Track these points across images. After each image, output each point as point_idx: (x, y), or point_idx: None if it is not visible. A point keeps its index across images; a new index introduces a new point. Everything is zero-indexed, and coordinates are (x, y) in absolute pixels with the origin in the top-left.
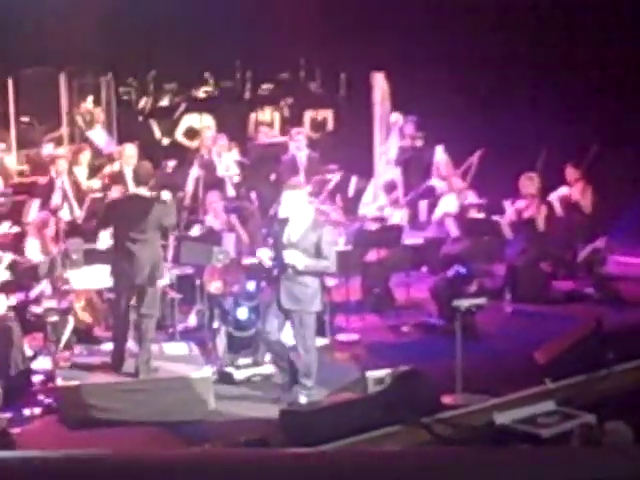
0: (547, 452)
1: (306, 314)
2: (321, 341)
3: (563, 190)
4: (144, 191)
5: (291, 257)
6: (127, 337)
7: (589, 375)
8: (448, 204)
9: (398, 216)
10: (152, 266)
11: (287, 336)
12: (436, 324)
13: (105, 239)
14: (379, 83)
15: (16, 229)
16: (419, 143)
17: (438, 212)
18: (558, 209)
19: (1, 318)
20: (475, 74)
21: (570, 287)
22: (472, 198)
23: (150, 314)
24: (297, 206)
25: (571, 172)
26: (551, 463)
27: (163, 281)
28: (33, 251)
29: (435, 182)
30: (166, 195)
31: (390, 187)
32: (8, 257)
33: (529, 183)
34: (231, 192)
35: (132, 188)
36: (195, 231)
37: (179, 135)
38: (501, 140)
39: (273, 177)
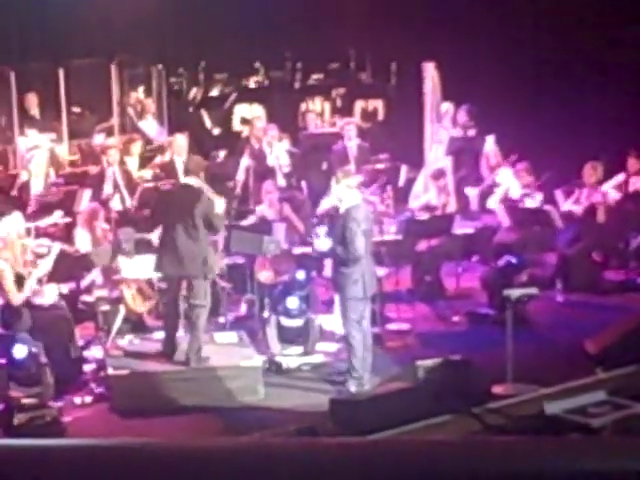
0: (598, 442)
1: (344, 300)
2: (372, 330)
3: (619, 179)
4: (193, 181)
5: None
6: (178, 326)
7: None
8: (500, 193)
9: (452, 204)
10: (200, 259)
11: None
12: (487, 314)
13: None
14: (430, 73)
15: (67, 219)
16: (471, 132)
17: (491, 202)
18: (613, 198)
19: (53, 307)
20: (527, 64)
21: (622, 277)
22: (522, 188)
23: (200, 304)
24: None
25: (633, 162)
26: (602, 453)
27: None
28: (82, 241)
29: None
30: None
31: (438, 175)
32: (58, 247)
33: (593, 172)
34: (281, 182)
35: (182, 179)
36: (246, 220)
37: (236, 124)
38: (553, 130)
39: (324, 167)
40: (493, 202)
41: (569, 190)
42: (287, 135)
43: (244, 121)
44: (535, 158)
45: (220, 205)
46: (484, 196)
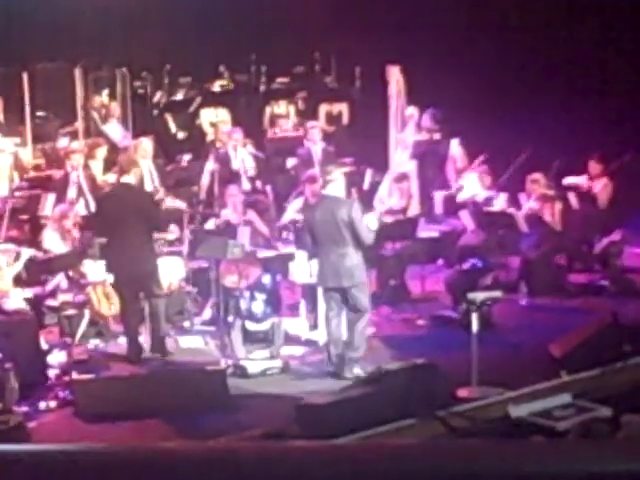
0: (563, 445)
1: None
2: None
3: (580, 182)
4: (130, 179)
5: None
6: (139, 329)
7: (605, 368)
8: (465, 197)
9: (413, 208)
10: (149, 252)
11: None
12: (451, 317)
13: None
14: (394, 76)
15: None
16: (436, 136)
17: (456, 205)
18: (574, 202)
19: (17, 312)
20: (492, 68)
21: (586, 280)
22: (488, 192)
23: (156, 294)
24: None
25: (594, 166)
26: (567, 456)
27: (178, 274)
28: (53, 243)
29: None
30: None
31: (401, 178)
32: (27, 252)
33: (535, 187)
34: (246, 186)
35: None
36: (211, 225)
37: (202, 128)
38: (518, 133)
39: (291, 171)
40: (458, 205)
41: (531, 194)
42: (251, 138)
43: (212, 125)
44: (500, 161)
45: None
46: (449, 200)
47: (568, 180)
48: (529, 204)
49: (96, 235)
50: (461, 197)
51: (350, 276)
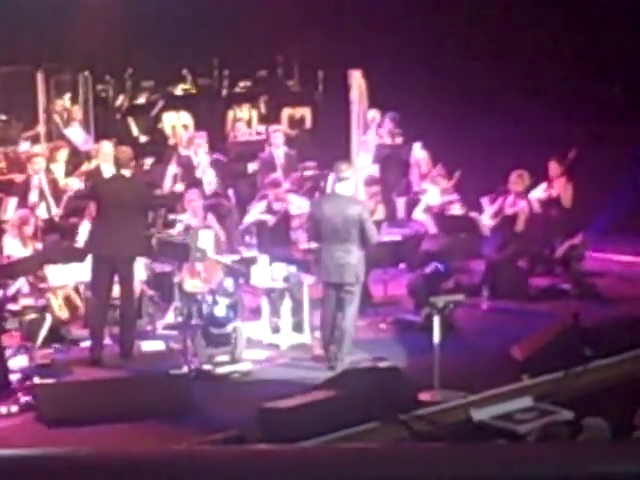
0: (524, 448)
1: None
2: (299, 338)
3: (542, 186)
4: (127, 173)
5: None
6: (104, 334)
7: (566, 371)
8: (428, 201)
9: (379, 212)
10: (134, 243)
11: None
12: (413, 321)
13: (84, 236)
14: (356, 80)
15: None
16: (398, 140)
17: (418, 209)
18: (537, 206)
19: None
20: (454, 72)
21: (547, 283)
22: (451, 195)
23: (128, 294)
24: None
25: (554, 167)
26: (528, 459)
27: (139, 278)
28: (13, 249)
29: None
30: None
31: (371, 182)
32: None
33: (519, 180)
34: (208, 190)
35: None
36: (173, 229)
37: (164, 131)
38: (479, 136)
39: (251, 174)
40: (419, 210)
41: (495, 198)
42: (214, 143)
43: (175, 129)
44: (462, 166)
45: None
46: (412, 204)
47: (534, 194)
48: (495, 204)
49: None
50: (425, 201)
51: (354, 273)
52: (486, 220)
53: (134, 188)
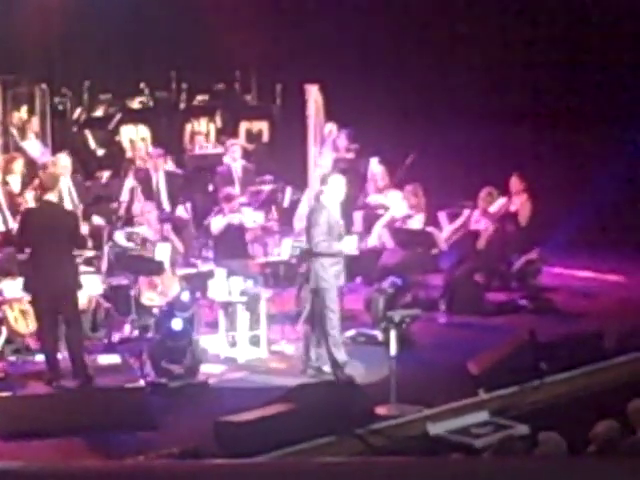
0: (480, 462)
1: None
2: (256, 352)
3: (501, 201)
4: (53, 197)
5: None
6: (58, 347)
7: (522, 386)
8: (393, 214)
9: None
10: (70, 273)
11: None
12: (370, 335)
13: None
14: (313, 95)
15: None
16: (352, 155)
17: (381, 221)
18: (495, 221)
19: None
20: (414, 87)
21: (504, 298)
22: (408, 209)
23: (73, 315)
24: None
25: (516, 183)
26: (484, 473)
27: (96, 291)
28: None
29: (377, 197)
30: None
31: None
32: None
33: (489, 198)
34: (166, 203)
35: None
36: (129, 242)
37: (121, 145)
38: (437, 151)
39: (210, 188)
40: (379, 225)
41: (453, 212)
42: (171, 155)
43: (132, 142)
44: (422, 180)
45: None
46: (369, 218)
47: (493, 207)
48: (457, 221)
49: (17, 251)
50: (390, 213)
51: (344, 276)
52: (446, 234)
53: (61, 215)
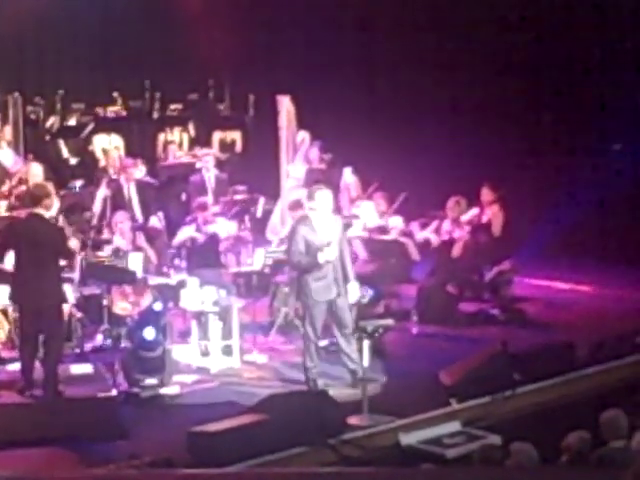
0: (452, 472)
1: None
2: (229, 362)
3: (473, 211)
4: (43, 211)
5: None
6: (34, 359)
7: (494, 396)
8: (357, 226)
9: None
10: (52, 288)
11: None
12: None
13: (10, 259)
14: (285, 106)
15: None
16: (324, 166)
17: (353, 229)
18: (467, 231)
19: None
20: (384, 97)
21: (476, 309)
22: (380, 220)
23: (56, 331)
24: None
25: (487, 193)
26: None
27: (68, 300)
28: None
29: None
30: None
31: (295, 206)
32: None
33: (456, 207)
34: (138, 212)
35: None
36: (102, 251)
37: (94, 154)
38: (410, 162)
39: (184, 197)
40: (353, 231)
41: (425, 222)
42: (144, 165)
43: (105, 151)
44: (392, 189)
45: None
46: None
47: (464, 217)
48: (429, 229)
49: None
50: (356, 225)
51: (337, 287)
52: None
53: (48, 230)
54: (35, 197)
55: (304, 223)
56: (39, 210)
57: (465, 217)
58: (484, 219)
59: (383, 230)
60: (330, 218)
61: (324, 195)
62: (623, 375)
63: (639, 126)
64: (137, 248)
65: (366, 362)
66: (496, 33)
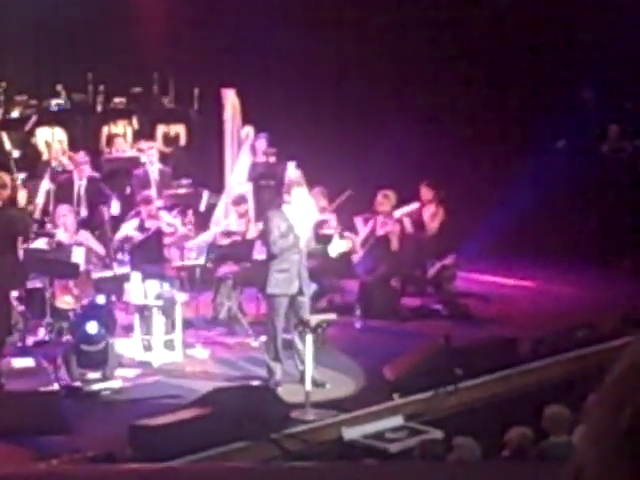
0: (394, 467)
1: None
2: (171, 356)
3: (413, 206)
4: None
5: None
6: None
7: (437, 391)
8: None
9: (252, 231)
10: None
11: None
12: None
13: None
14: (230, 99)
15: None
16: (272, 159)
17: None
18: (408, 226)
19: None
20: (329, 93)
21: (419, 303)
22: (325, 215)
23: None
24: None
25: (425, 192)
26: (398, 478)
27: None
28: None
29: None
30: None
31: (239, 201)
32: None
33: (385, 201)
34: (82, 205)
35: None
36: (43, 244)
37: (37, 146)
38: (354, 156)
39: (128, 191)
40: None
41: (368, 217)
42: (87, 158)
43: (48, 144)
44: (334, 185)
45: None
46: None
47: (400, 211)
48: (368, 224)
49: None
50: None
51: (307, 284)
52: (361, 238)
53: (4, 218)
54: None
55: (278, 215)
56: None
57: (401, 211)
58: (425, 216)
59: (324, 225)
60: (303, 215)
61: (300, 193)
62: (564, 370)
63: (581, 123)
64: (80, 242)
65: (309, 357)
66: (440, 28)
